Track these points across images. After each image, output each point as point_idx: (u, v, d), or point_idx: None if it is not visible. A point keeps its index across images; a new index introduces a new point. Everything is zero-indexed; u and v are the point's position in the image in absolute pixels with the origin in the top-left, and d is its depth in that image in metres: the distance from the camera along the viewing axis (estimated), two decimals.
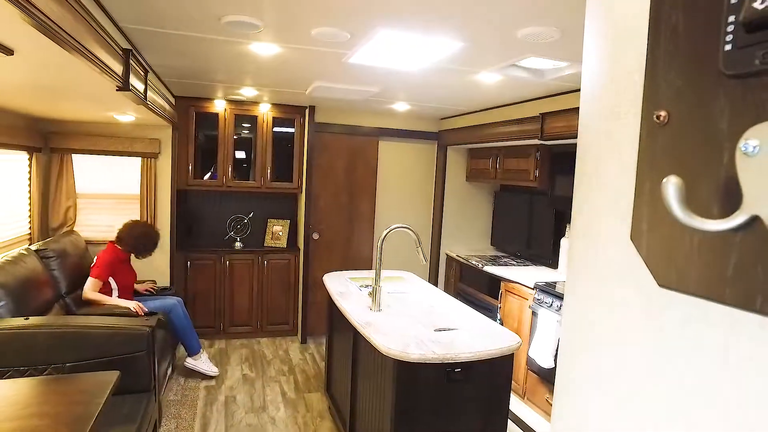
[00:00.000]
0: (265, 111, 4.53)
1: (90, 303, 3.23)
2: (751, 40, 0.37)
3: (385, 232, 2.79)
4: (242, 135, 4.66)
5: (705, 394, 0.47)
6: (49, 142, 3.82)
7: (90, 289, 3.23)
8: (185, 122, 4.34)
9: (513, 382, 3.37)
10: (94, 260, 3.34)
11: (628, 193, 0.54)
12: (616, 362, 0.60)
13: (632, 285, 0.56)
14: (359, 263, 4.88)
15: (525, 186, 4.09)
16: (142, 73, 2.65)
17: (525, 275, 3.68)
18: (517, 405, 3.47)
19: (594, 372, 0.64)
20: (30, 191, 3.71)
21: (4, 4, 1.14)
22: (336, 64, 2.75)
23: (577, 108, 0.69)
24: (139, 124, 3.96)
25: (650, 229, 0.48)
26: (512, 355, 2.31)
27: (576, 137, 0.68)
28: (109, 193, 4.27)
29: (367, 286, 3.16)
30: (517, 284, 3.64)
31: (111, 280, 3.33)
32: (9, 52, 1.68)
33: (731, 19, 0.39)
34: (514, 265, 4.20)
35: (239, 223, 4.83)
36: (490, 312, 3.83)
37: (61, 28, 1.45)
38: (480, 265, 4.17)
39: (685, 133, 0.44)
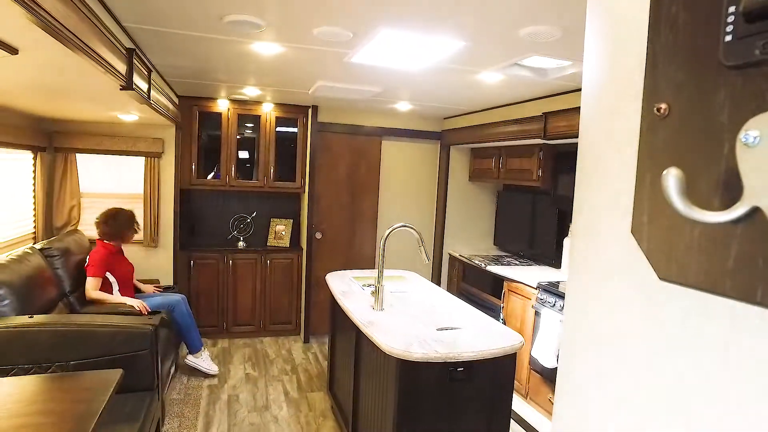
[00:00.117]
0: (268, 110, 4.54)
1: (95, 302, 3.24)
2: (752, 30, 0.37)
3: (387, 232, 2.79)
4: (245, 135, 4.67)
5: (705, 389, 0.47)
6: (53, 141, 3.84)
7: (92, 288, 3.24)
8: (188, 122, 4.36)
9: (516, 382, 3.37)
10: (87, 261, 3.32)
11: (629, 189, 0.54)
12: (617, 359, 0.60)
13: (633, 280, 0.56)
14: (362, 263, 4.89)
15: (528, 186, 4.09)
16: (146, 73, 2.66)
17: (528, 275, 3.68)
18: (519, 405, 3.46)
19: (595, 369, 0.64)
20: (34, 190, 3.73)
21: (9, 3, 1.15)
22: (338, 63, 2.75)
23: (580, 107, 0.69)
24: (143, 124, 3.97)
25: (651, 222, 0.48)
26: (515, 354, 2.31)
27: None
28: (112, 192, 4.29)
29: (369, 285, 3.16)
30: (520, 284, 3.63)
31: (109, 275, 3.34)
32: (14, 51, 1.69)
33: (731, 9, 0.39)
34: (517, 264, 4.19)
35: (242, 222, 4.85)
36: (493, 312, 3.83)
37: (65, 27, 1.45)
38: (483, 265, 4.16)
39: (685, 126, 0.44)
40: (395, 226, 2.79)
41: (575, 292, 0.68)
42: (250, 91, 3.99)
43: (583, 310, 0.66)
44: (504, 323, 3.64)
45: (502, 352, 2.22)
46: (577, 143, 0.70)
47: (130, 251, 3.94)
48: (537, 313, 3.36)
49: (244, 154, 4.67)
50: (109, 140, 4.01)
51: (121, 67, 2.15)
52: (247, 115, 4.55)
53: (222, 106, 4.43)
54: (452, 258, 4.90)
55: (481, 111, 4.29)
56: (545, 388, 3.30)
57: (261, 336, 4.73)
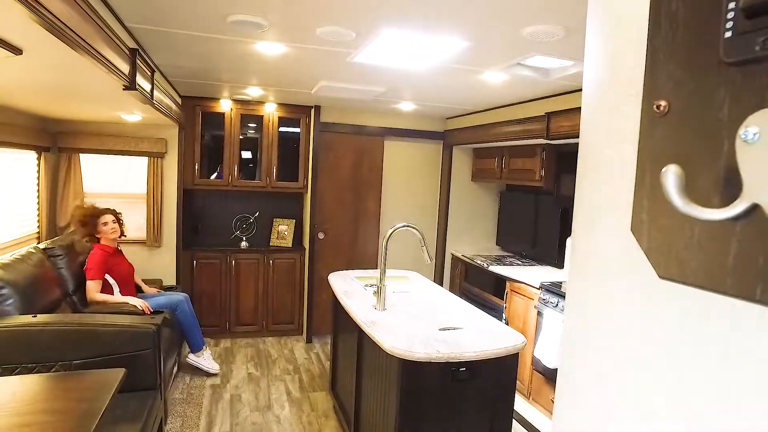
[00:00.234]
0: (270, 111, 4.55)
1: (98, 305, 3.25)
2: (751, 26, 0.37)
3: (389, 232, 2.79)
4: (248, 135, 4.68)
5: (705, 388, 0.47)
6: (57, 141, 3.86)
7: (93, 291, 3.25)
8: (191, 122, 4.37)
9: (518, 382, 3.37)
10: (85, 264, 3.32)
11: (629, 187, 0.53)
12: (617, 358, 0.60)
13: (633, 279, 0.55)
14: (365, 263, 4.89)
15: (531, 186, 4.08)
16: (149, 73, 2.67)
17: (530, 275, 3.67)
18: (522, 405, 3.46)
19: (595, 368, 0.64)
20: (38, 190, 3.75)
21: (13, 3, 1.16)
22: (341, 63, 2.75)
23: None
24: (146, 124, 3.98)
25: (650, 220, 0.48)
26: (517, 354, 2.30)
27: None
28: (116, 192, 4.30)
29: (372, 285, 3.16)
30: (522, 284, 3.63)
31: (108, 277, 3.34)
32: (18, 51, 1.70)
33: (731, 5, 0.38)
34: (519, 264, 4.18)
35: (245, 222, 4.85)
36: (495, 312, 3.82)
37: (68, 28, 1.46)
38: (485, 265, 4.16)
39: (685, 123, 0.44)
40: (397, 226, 2.79)
41: (575, 291, 0.68)
42: (252, 92, 4.00)
43: (583, 309, 0.66)
44: (507, 323, 3.64)
45: (505, 353, 2.21)
46: None
47: (132, 251, 3.96)
48: (539, 314, 3.35)
49: (247, 154, 4.68)
50: (112, 140, 4.02)
51: (124, 68, 2.16)
52: (249, 116, 4.56)
53: (225, 106, 4.44)
54: (455, 258, 4.90)
55: (484, 111, 4.28)
56: (548, 389, 3.30)
57: (263, 336, 4.74)
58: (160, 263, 4.26)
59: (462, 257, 4.69)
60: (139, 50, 2.38)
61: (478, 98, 3.74)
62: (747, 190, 0.37)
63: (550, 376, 3.24)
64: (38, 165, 3.73)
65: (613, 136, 0.59)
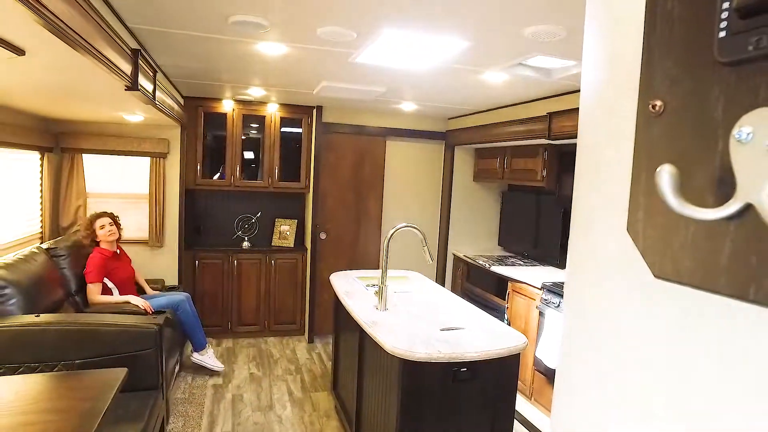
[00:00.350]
0: (272, 111, 4.56)
1: (99, 306, 3.26)
2: (745, 26, 0.37)
3: (391, 232, 2.79)
4: (250, 135, 4.69)
5: (701, 387, 0.47)
6: (60, 142, 3.88)
7: (94, 294, 3.26)
8: (194, 122, 4.38)
9: (520, 382, 3.36)
10: (85, 267, 3.32)
11: (625, 187, 0.54)
12: (615, 357, 0.60)
13: (630, 278, 0.56)
14: (366, 263, 4.89)
15: (532, 186, 4.08)
16: (151, 73, 2.68)
17: (532, 275, 3.67)
18: (524, 406, 3.45)
19: (593, 368, 0.64)
20: (41, 191, 3.76)
21: (15, 5, 1.16)
22: (342, 63, 2.76)
23: None
24: (148, 124, 4.00)
25: (646, 219, 0.48)
26: (518, 355, 2.30)
27: None
28: (118, 192, 4.32)
29: (373, 285, 3.16)
30: (524, 284, 3.62)
31: (107, 280, 3.36)
32: (20, 52, 1.71)
33: (725, 5, 0.39)
34: (521, 265, 4.18)
35: (247, 222, 4.86)
36: (497, 312, 3.82)
37: (70, 29, 1.47)
38: (487, 265, 4.16)
39: (680, 122, 0.44)
40: (399, 226, 2.79)
41: (573, 290, 0.68)
42: (254, 92, 4.01)
43: (581, 309, 0.66)
44: (509, 324, 3.63)
45: (506, 353, 2.21)
46: None
47: (135, 251, 3.97)
48: (541, 314, 3.35)
49: (249, 155, 4.69)
50: (114, 141, 4.04)
51: (127, 68, 2.17)
52: (251, 116, 4.57)
53: (227, 106, 4.45)
54: (456, 258, 4.90)
55: (486, 111, 4.28)
56: (549, 389, 3.29)
57: (265, 336, 4.75)
58: (162, 263, 4.28)
59: (464, 257, 4.68)
60: (141, 51, 2.39)
61: (480, 98, 3.74)
62: (740, 190, 0.37)
63: (551, 376, 3.24)
64: (41, 165, 3.74)
65: (611, 135, 0.59)
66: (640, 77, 0.50)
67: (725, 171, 0.39)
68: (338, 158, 4.78)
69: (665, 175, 0.41)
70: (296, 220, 4.96)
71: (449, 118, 4.95)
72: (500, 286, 3.96)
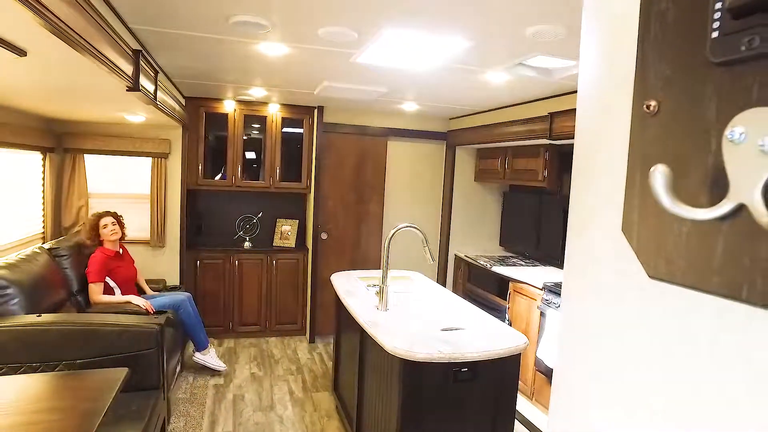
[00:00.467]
0: (274, 111, 4.56)
1: (101, 305, 3.27)
2: (737, 27, 0.37)
3: (392, 232, 2.80)
4: (252, 135, 4.70)
5: (694, 386, 0.47)
6: (61, 142, 3.89)
7: (96, 293, 3.27)
8: (195, 122, 4.39)
9: (521, 383, 3.36)
10: (87, 266, 3.33)
11: (621, 187, 0.54)
12: (610, 357, 0.60)
13: (625, 278, 0.56)
14: (368, 263, 4.89)
15: (534, 186, 4.07)
16: (152, 74, 2.69)
17: (533, 275, 3.66)
18: (525, 406, 3.45)
19: (589, 367, 0.64)
20: (43, 191, 3.78)
21: (17, 6, 1.17)
22: (344, 63, 2.76)
23: None
24: (150, 125, 4.01)
25: (641, 220, 0.48)
26: (519, 355, 2.30)
27: None
28: (120, 193, 4.33)
29: (374, 285, 3.16)
30: (525, 285, 3.62)
31: (108, 280, 3.37)
32: (22, 53, 1.72)
33: (718, 5, 0.39)
34: (522, 265, 4.18)
35: (248, 222, 4.87)
36: (498, 313, 3.81)
37: (72, 29, 1.47)
38: (488, 266, 4.15)
39: (674, 123, 0.44)
40: (400, 227, 2.79)
41: (570, 290, 0.68)
42: (256, 92, 4.01)
43: (577, 309, 0.66)
44: (510, 324, 3.63)
45: (507, 353, 2.21)
46: None
47: (136, 251, 3.98)
48: (542, 314, 3.34)
49: (250, 155, 4.70)
50: (116, 141, 4.05)
51: (128, 69, 2.18)
52: (253, 116, 4.58)
53: (228, 107, 4.46)
54: (458, 258, 4.89)
55: (487, 111, 4.28)
56: (550, 389, 3.29)
57: (266, 336, 4.75)
58: (163, 263, 4.29)
59: (465, 258, 4.68)
60: (143, 51, 2.40)
61: (481, 98, 3.74)
62: (733, 191, 0.37)
63: (552, 376, 3.24)
64: (43, 166, 3.76)
65: (606, 135, 0.60)
66: (635, 77, 0.50)
67: (718, 171, 0.39)
68: (339, 158, 4.78)
69: (658, 175, 0.41)
70: (297, 221, 4.97)
71: (450, 118, 4.95)
72: (501, 286, 3.95)
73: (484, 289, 4.27)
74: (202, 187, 4.54)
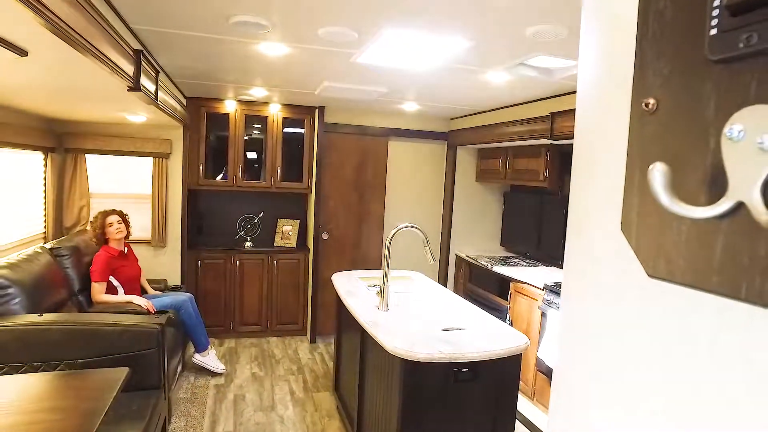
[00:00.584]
0: (275, 111, 4.57)
1: (103, 305, 3.28)
2: (736, 24, 0.37)
3: (393, 232, 2.79)
4: (253, 135, 4.70)
5: (694, 385, 0.47)
6: (63, 142, 3.90)
7: (98, 293, 3.27)
8: (196, 122, 4.39)
9: (522, 383, 3.35)
10: (91, 265, 3.34)
11: (620, 186, 0.53)
12: (610, 356, 0.60)
13: (624, 277, 0.55)
14: (368, 263, 4.89)
15: (535, 186, 4.07)
16: (153, 74, 2.69)
17: (534, 276, 3.66)
18: (526, 406, 3.44)
19: (589, 366, 0.64)
20: (45, 191, 3.78)
21: (18, 6, 1.17)
22: (344, 63, 2.76)
23: None
24: (151, 125, 4.01)
25: (640, 218, 0.47)
26: (520, 355, 2.30)
27: None
28: (121, 192, 4.34)
29: (375, 285, 3.16)
30: (526, 285, 3.61)
31: (112, 279, 3.37)
32: (23, 53, 1.72)
33: (716, 2, 0.38)
34: (523, 265, 4.17)
35: (249, 222, 4.87)
36: (499, 313, 3.81)
37: (73, 30, 1.48)
38: (489, 266, 4.15)
39: (672, 121, 0.44)
40: (401, 227, 2.79)
41: (570, 290, 0.68)
42: (257, 92, 4.01)
43: (577, 308, 0.66)
44: (511, 324, 3.63)
45: (507, 353, 2.21)
46: None
47: (138, 251, 3.98)
48: (543, 314, 3.34)
49: (251, 155, 4.70)
50: (117, 141, 4.05)
51: (129, 69, 2.18)
52: (254, 116, 4.58)
53: (229, 107, 4.46)
54: (459, 259, 4.89)
55: (488, 111, 4.28)
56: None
57: (267, 336, 4.75)
58: (164, 263, 4.29)
59: (466, 258, 4.68)
60: (144, 51, 2.40)
61: (482, 98, 3.74)
62: (732, 189, 0.37)
63: None
64: (45, 165, 3.76)
65: (605, 133, 0.59)
66: (634, 75, 0.50)
67: (717, 169, 0.39)
68: (340, 158, 4.78)
69: (657, 174, 0.41)
70: (298, 221, 4.97)
71: (451, 119, 4.95)
72: (502, 286, 3.95)
73: (485, 290, 4.27)
74: (203, 187, 4.55)
